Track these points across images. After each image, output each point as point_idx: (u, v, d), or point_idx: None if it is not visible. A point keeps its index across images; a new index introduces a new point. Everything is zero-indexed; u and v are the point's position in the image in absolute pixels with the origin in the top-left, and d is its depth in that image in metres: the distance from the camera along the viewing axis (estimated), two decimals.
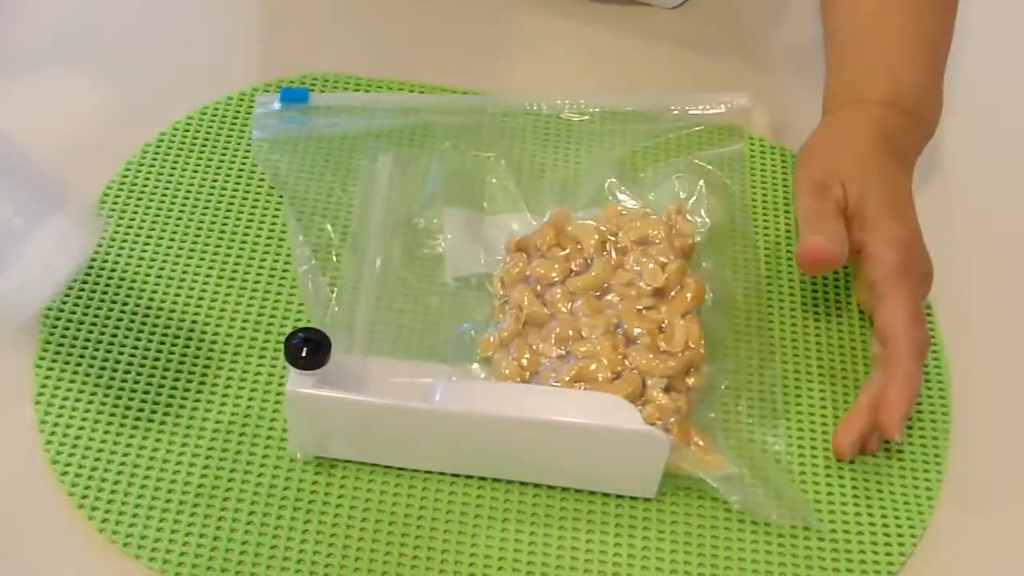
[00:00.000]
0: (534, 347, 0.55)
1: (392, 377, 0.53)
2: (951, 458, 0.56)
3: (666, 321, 0.56)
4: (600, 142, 0.67)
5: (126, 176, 0.63)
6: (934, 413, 0.58)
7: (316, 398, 0.50)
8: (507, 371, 0.54)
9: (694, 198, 0.62)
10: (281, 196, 0.63)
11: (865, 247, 0.57)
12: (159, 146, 0.65)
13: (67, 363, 0.56)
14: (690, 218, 0.61)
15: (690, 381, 0.55)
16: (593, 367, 0.53)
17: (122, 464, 0.53)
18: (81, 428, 0.54)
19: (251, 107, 0.66)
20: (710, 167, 0.64)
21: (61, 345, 0.56)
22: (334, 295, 0.58)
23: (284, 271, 0.60)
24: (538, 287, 0.58)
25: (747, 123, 0.68)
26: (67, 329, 0.57)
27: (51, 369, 0.55)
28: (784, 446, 0.55)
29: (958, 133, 0.68)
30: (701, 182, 0.62)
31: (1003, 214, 0.66)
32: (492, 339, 0.56)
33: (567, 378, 0.53)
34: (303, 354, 0.49)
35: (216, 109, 0.67)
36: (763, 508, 0.53)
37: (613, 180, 0.63)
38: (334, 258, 0.60)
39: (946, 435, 0.57)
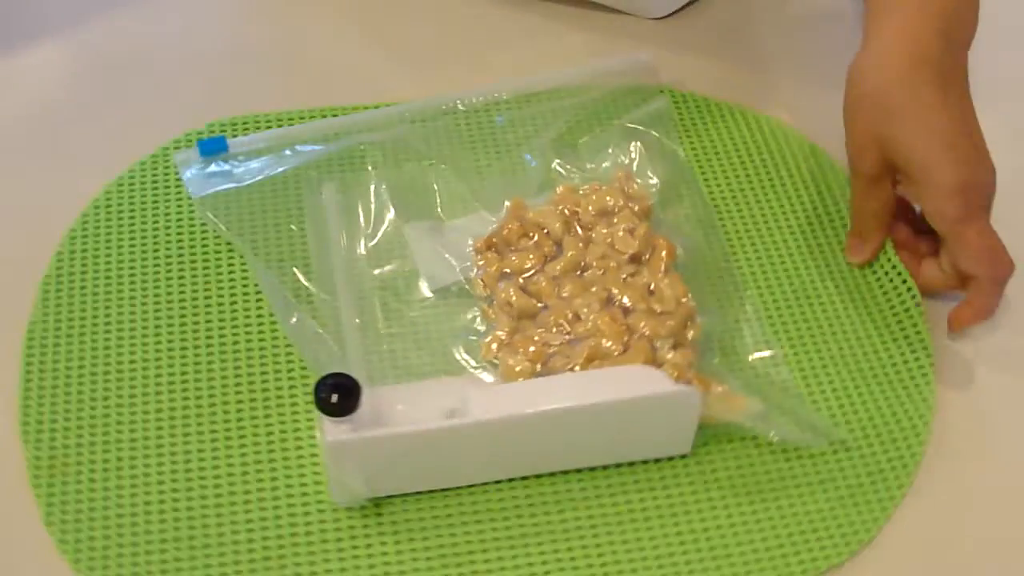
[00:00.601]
0: (536, 339, 0.56)
1: (410, 401, 0.53)
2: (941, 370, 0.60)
3: (651, 283, 0.58)
4: (525, 126, 0.67)
5: (60, 266, 0.61)
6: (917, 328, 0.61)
7: (357, 442, 0.49)
8: (518, 368, 0.55)
9: (636, 161, 0.64)
10: (232, 249, 0.61)
11: (923, 204, 0.59)
12: (85, 231, 0.62)
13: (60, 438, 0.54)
14: (639, 181, 0.62)
15: (690, 335, 0.57)
16: (604, 343, 0.55)
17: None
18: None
19: (168, 169, 0.65)
20: (642, 128, 0.65)
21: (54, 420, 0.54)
22: (322, 333, 0.57)
23: (255, 321, 0.59)
24: (520, 280, 0.58)
25: (655, 78, 0.70)
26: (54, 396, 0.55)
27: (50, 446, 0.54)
28: (787, 373, 0.58)
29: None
30: (638, 144, 0.64)
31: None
32: (491, 342, 0.57)
33: (581, 360, 0.54)
34: (334, 401, 0.49)
35: (132, 179, 0.64)
36: (794, 435, 0.55)
37: (558, 161, 0.64)
38: (310, 301, 0.59)
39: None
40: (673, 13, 0.75)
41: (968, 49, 0.61)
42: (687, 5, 0.75)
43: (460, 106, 0.68)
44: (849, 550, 0.53)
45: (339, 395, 0.49)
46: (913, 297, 0.61)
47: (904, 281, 0.62)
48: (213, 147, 0.64)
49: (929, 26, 0.59)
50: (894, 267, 0.62)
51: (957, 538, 0.54)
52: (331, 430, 0.49)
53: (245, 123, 0.67)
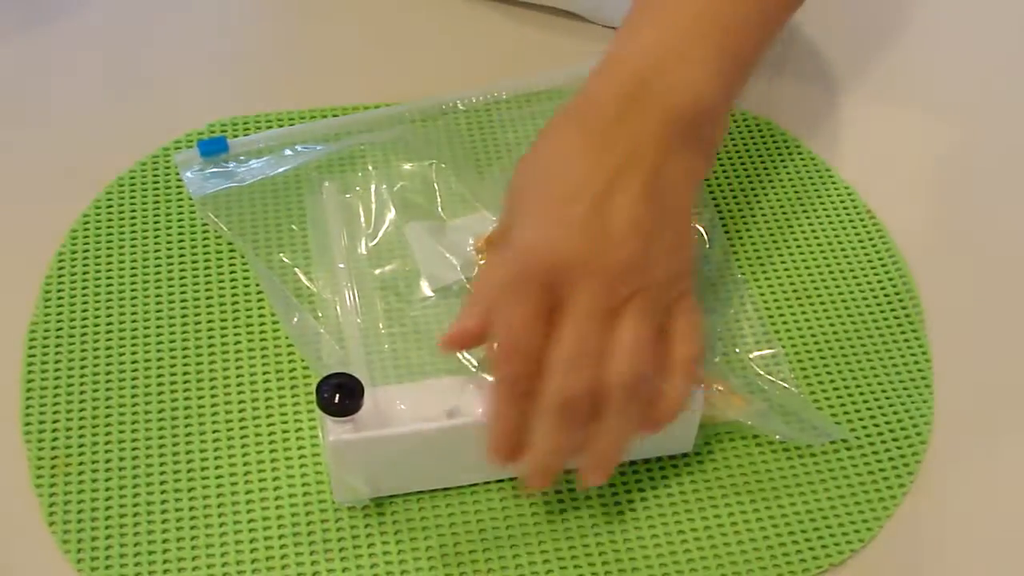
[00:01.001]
0: None
1: (411, 401, 0.53)
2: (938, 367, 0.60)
3: None
4: (524, 124, 0.67)
5: (61, 265, 0.61)
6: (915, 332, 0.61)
7: (359, 442, 0.49)
8: None
9: None
10: (233, 248, 0.61)
11: None
12: (86, 230, 0.62)
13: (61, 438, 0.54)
14: None
15: None
16: None
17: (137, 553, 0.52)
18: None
19: (168, 169, 0.65)
20: None
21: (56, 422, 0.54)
22: (323, 333, 0.57)
23: (256, 321, 0.59)
24: None
25: None
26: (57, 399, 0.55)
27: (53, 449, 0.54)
28: (787, 371, 0.58)
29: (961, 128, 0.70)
30: None
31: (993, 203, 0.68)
32: (492, 341, 0.57)
33: None
34: (337, 401, 0.49)
35: (133, 179, 0.64)
36: (795, 434, 0.55)
37: None
38: (312, 301, 0.59)
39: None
40: None
41: (715, 127, 0.52)
42: None
43: (460, 106, 0.68)
44: (850, 548, 0.53)
45: (341, 395, 0.49)
46: (912, 297, 0.61)
47: (904, 281, 0.62)
48: (214, 147, 0.64)
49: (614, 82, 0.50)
50: (896, 267, 0.63)
51: (957, 538, 0.54)
52: (333, 430, 0.50)
53: (246, 123, 0.67)
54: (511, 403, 0.47)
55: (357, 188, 0.63)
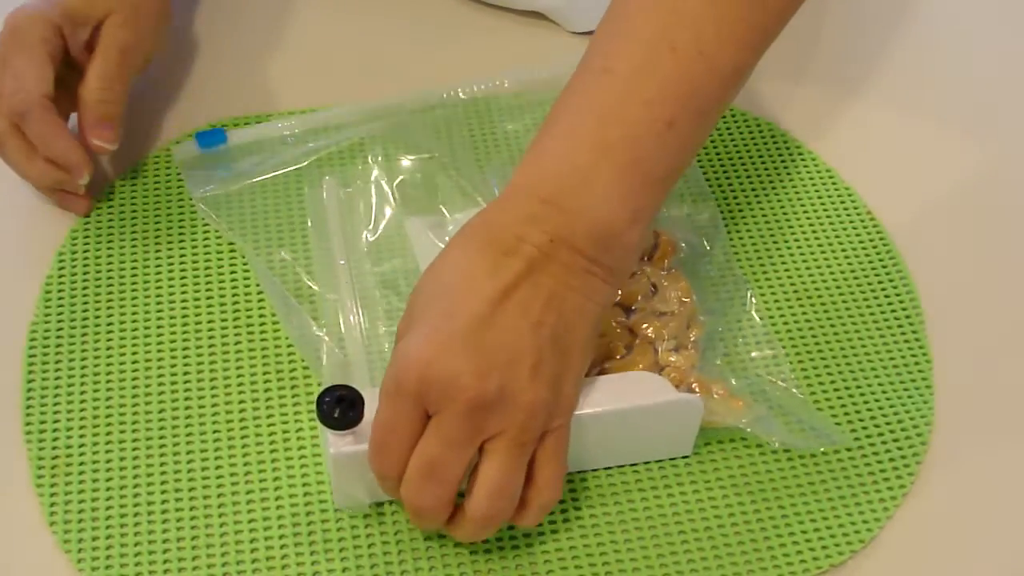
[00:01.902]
0: None
1: None
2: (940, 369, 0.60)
3: (653, 283, 0.58)
4: (523, 116, 0.67)
5: (62, 265, 0.61)
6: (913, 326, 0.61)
7: (360, 454, 0.49)
8: None
9: None
10: (234, 248, 0.61)
11: None
12: (86, 230, 0.62)
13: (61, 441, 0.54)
14: None
15: (692, 335, 0.57)
16: (607, 343, 0.55)
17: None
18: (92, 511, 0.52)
19: (169, 168, 0.64)
20: None
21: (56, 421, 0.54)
22: (323, 335, 0.57)
23: (256, 321, 0.59)
24: None
25: None
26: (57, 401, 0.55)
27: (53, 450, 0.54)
28: (788, 372, 0.58)
29: (957, 129, 0.70)
30: None
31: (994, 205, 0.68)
32: None
33: None
34: (337, 415, 0.49)
35: (133, 178, 0.64)
36: (794, 438, 0.55)
37: None
38: (312, 300, 0.59)
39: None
40: None
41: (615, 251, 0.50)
42: None
43: (461, 95, 0.68)
44: (850, 549, 0.53)
45: (342, 408, 0.49)
46: (912, 299, 0.61)
47: (905, 284, 0.62)
48: (212, 139, 0.64)
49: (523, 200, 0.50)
50: (896, 268, 0.63)
51: (957, 540, 0.54)
52: (334, 443, 0.49)
53: (247, 122, 0.67)
54: (384, 489, 0.50)
55: (358, 182, 0.63)
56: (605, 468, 0.55)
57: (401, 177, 0.64)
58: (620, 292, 0.56)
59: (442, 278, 0.49)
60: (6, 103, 0.59)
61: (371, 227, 0.62)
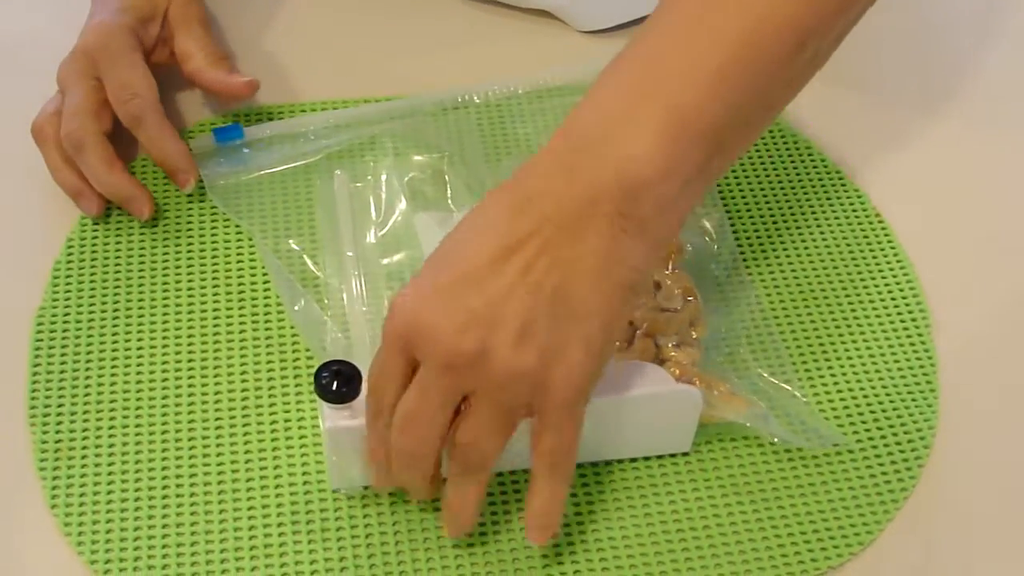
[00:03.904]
0: None
1: None
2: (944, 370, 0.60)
3: (657, 280, 0.58)
4: (535, 121, 0.67)
5: (71, 251, 0.61)
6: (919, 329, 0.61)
7: (356, 429, 0.50)
8: None
9: None
10: (250, 237, 0.62)
11: None
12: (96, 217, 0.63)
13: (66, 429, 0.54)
14: None
15: (694, 333, 0.57)
16: None
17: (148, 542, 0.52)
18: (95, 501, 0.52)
19: None
20: None
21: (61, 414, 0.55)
22: (327, 321, 0.58)
23: (261, 310, 0.59)
24: None
25: None
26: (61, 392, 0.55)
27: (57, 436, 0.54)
28: (791, 373, 0.58)
29: (961, 126, 0.70)
30: None
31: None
32: None
33: None
34: (334, 388, 0.49)
35: (144, 166, 0.65)
36: (794, 437, 0.55)
37: None
38: (318, 288, 0.59)
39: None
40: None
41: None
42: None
43: (476, 99, 0.68)
44: (849, 551, 0.53)
45: (339, 382, 0.49)
46: (919, 302, 0.61)
47: (912, 287, 0.62)
48: (229, 134, 0.65)
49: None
50: (903, 271, 0.62)
51: (958, 542, 0.54)
52: (331, 416, 0.50)
53: (259, 115, 0.67)
54: (375, 430, 0.49)
55: (368, 177, 0.64)
56: (603, 463, 0.55)
57: (411, 173, 0.64)
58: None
59: (456, 233, 0.48)
60: (122, 111, 0.60)
61: (380, 221, 0.62)
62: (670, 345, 0.55)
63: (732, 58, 0.46)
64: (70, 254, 0.61)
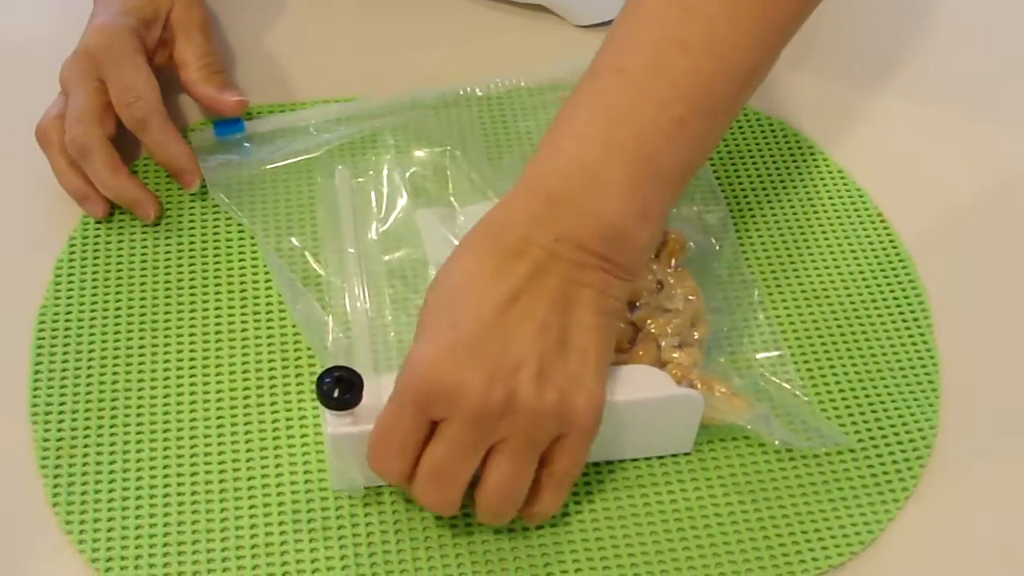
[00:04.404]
0: None
1: None
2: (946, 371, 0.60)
3: (659, 280, 0.58)
4: (536, 116, 0.67)
5: (72, 249, 0.61)
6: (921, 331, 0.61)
7: (358, 435, 0.50)
8: None
9: None
10: (252, 236, 0.62)
11: None
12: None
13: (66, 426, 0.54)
14: None
15: (696, 333, 0.57)
16: None
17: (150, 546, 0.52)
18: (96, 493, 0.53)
19: None
20: None
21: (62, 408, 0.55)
22: (329, 321, 0.58)
23: (263, 309, 0.59)
24: None
25: None
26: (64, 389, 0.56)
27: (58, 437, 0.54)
28: (793, 372, 0.58)
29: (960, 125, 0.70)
30: None
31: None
32: None
33: None
34: (336, 395, 0.49)
35: (147, 164, 0.65)
36: (796, 438, 0.55)
37: None
38: (319, 286, 0.59)
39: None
40: None
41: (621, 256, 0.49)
42: None
43: (478, 91, 0.68)
44: (850, 551, 0.53)
45: (341, 388, 0.49)
46: (921, 302, 0.61)
47: (914, 287, 0.62)
48: (229, 128, 0.65)
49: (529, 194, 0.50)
50: (905, 271, 0.62)
51: (958, 543, 0.54)
52: (333, 423, 0.50)
53: (259, 112, 0.67)
54: (386, 480, 0.50)
55: (370, 172, 0.64)
56: (605, 463, 0.55)
57: (413, 169, 0.64)
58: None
59: (448, 283, 0.49)
60: (126, 114, 0.60)
61: (382, 217, 0.62)
62: (672, 346, 0.55)
63: (694, 109, 0.50)
64: (72, 253, 0.61)
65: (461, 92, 0.68)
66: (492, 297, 0.48)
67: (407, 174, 0.63)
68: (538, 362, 0.47)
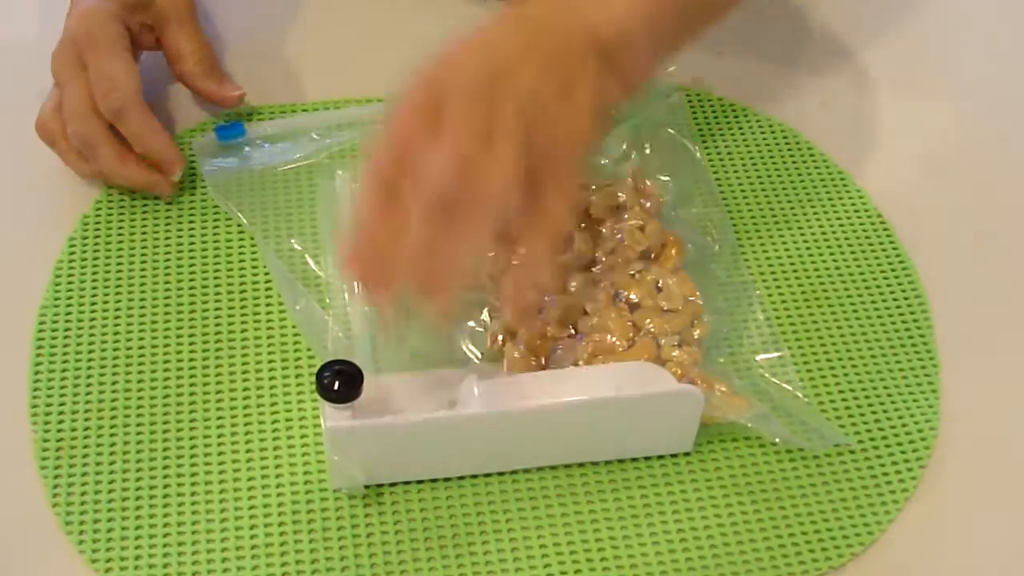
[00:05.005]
0: (541, 332, 0.56)
1: (416, 390, 0.53)
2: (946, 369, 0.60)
3: (659, 280, 0.58)
4: None
5: (72, 250, 0.61)
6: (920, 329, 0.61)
7: (357, 429, 0.50)
8: (522, 361, 0.55)
9: (649, 157, 0.64)
10: (252, 237, 0.62)
11: None
12: (98, 215, 0.63)
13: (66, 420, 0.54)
14: (651, 180, 0.62)
15: (696, 333, 0.57)
16: (610, 339, 0.55)
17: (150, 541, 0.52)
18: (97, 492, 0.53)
19: (190, 153, 0.65)
20: (655, 124, 0.65)
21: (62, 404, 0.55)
22: (329, 321, 0.58)
23: (263, 309, 0.59)
24: None
25: (668, 76, 0.70)
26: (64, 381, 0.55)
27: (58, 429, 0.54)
28: (793, 373, 0.58)
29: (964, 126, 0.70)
30: (651, 140, 0.64)
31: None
32: (497, 334, 0.57)
33: (586, 355, 0.54)
34: (336, 388, 0.49)
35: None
36: (795, 437, 0.55)
37: None
38: (319, 287, 0.59)
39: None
40: None
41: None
42: None
43: None
44: (851, 552, 0.53)
45: (341, 382, 0.49)
46: (921, 302, 0.61)
47: (914, 288, 0.62)
48: (231, 133, 0.65)
49: None
50: (905, 272, 0.62)
51: (959, 544, 0.54)
52: (332, 416, 0.50)
53: (260, 114, 0.67)
54: (377, 203, 0.49)
55: None
56: (605, 463, 0.55)
57: None
58: (624, 285, 0.56)
59: (473, 37, 0.52)
60: (103, 104, 0.60)
61: None
62: (671, 344, 0.55)
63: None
64: (72, 253, 0.61)
65: None
66: (513, 44, 0.50)
67: None
68: (532, 83, 0.49)
